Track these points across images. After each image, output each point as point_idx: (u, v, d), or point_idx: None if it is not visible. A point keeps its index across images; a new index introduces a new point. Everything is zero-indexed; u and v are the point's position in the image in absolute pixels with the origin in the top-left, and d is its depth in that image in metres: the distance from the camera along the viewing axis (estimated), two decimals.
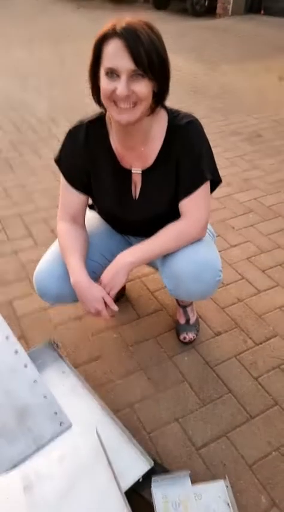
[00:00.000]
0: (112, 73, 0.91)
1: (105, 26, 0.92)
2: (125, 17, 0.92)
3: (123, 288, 1.64)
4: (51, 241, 1.94)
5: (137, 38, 0.88)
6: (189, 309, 1.47)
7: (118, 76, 0.91)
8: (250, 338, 1.49)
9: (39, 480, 0.92)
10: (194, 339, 1.46)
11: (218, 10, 7.86)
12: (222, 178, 1.15)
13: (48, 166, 2.62)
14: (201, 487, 0.96)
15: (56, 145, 2.91)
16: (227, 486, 0.95)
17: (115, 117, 0.97)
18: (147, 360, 1.40)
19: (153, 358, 1.41)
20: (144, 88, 0.93)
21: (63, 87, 4.14)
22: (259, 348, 1.45)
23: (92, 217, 1.33)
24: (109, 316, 1.11)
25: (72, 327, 1.52)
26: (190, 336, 1.45)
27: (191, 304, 1.47)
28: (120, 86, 0.91)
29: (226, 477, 0.97)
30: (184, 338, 1.44)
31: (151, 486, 0.94)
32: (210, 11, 7.82)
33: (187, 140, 1.05)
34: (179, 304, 1.47)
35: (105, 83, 0.93)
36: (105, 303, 1.09)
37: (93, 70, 0.97)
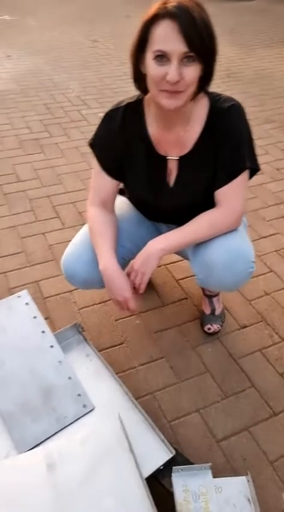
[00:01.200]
0: (163, 56, 0.87)
1: (153, 6, 0.87)
2: None
3: None
4: (79, 223, 1.97)
5: (191, 18, 0.83)
6: (215, 300, 1.44)
7: (168, 60, 0.87)
8: (276, 333, 1.46)
9: (62, 460, 0.93)
10: (218, 330, 1.44)
11: None
12: None
13: (77, 149, 2.61)
14: (222, 480, 0.95)
15: (85, 128, 2.91)
16: (249, 481, 0.94)
17: (162, 102, 0.93)
18: (170, 348, 1.39)
19: (175, 347, 1.40)
20: (193, 73, 0.89)
21: (94, 68, 4.09)
22: None
23: (122, 203, 1.31)
24: (135, 307, 1.10)
25: (97, 310, 1.52)
26: (214, 327, 1.42)
27: (217, 294, 1.45)
28: (171, 71, 0.86)
29: (248, 473, 0.96)
30: (209, 329, 1.42)
31: (171, 475, 0.94)
32: None
33: (228, 125, 1.00)
34: (205, 294, 1.45)
35: (153, 67, 0.89)
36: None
37: (137, 54, 0.93)
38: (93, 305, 1.54)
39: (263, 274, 1.70)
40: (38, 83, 3.68)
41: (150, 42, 0.88)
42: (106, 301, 1.55)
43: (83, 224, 1.92)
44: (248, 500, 0.92)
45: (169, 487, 0.93)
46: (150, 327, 1.47)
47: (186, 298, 1.59)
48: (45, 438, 1.00)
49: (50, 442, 1.00)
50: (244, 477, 0.96)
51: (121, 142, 1.10)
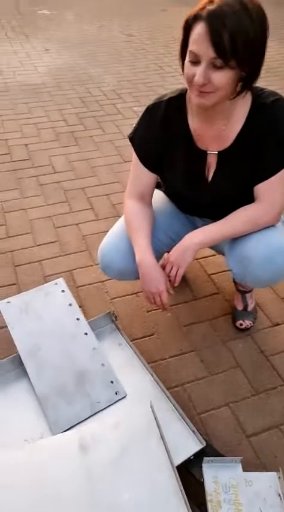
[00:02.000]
0: (195, 57, 0.88)
1: (199, 3, 0.87)
2: None
3: None
4: (112, 215, 1.99)
5: (222, 23, 0.81)
6: (248, 296, 1.43)
7: (199, 61, 0.88)
8: None
9: (95, 442, 0.95)
10: (250, 327, 1.42)
11: None
12: None
13: (112, 142, 2.64)
14: (252, 474, 0.95)
15: (120, 121, 2.93)
16: (280, 478, 0.94)
17: (193, 99, 0.95)
18: (201, 342, 1.40)
19: (206, 341, 1.40)
20: (222, 78, 0.88)
21: (130, 63, 4.10)
22: None
23: (158, 196, 1.31)
24: (167, 300, 1.11)
25: (129, 301, 1.54)
26: (246, 323, 1.41)
27: (251, 290, 1.43)
28: (198, 74, 0.88)
29: (280, 469, 0.95)
30: (241, 324, 1.41)
31: (201, 466, 0.95)
32: None
33: (272, 120, 0.99)
34: (238, 290, 1.44)
35: (187, 66, 0.91)
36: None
37: (182, 50, 0.94)
38: (125, 296, 1.56)
39: None
40: (74, 76, 3.73)
41: (189, 41, 0.89)
42: (138, 292, 1.57)
43: (117, 216, 1.95)
44: (279, 495, 0.91)
45: (200, 477, 0.94)
46: (180, 320, 1.48)
47: (218, 293, 1.58)
48: (79, 421, 1.03)
49: (83, 425, 1.02)
50: (275, 473, 0.95)
51: (162, 136, 1.10)
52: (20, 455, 0.94)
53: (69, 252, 1.77)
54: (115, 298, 1.56)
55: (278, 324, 1.46)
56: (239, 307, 1.44)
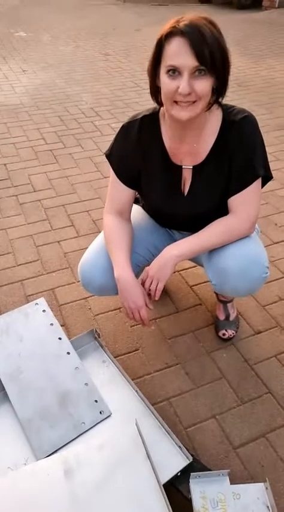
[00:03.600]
0: (174, 71, 0.90)
1: (167, 24, 0.91)
2: (186, 14, 0.91)
3: None
4: (93, 231, 2.00)
5: (200, 35, 0.87)
6: (229, 305, 1.44)
7: (179, 74, 0.90)
8: None
9: (79, 466, 0.94)
10: (233, 336, 1.43)
11: (265, 2, 7.58)
12: None
13: (91, 159, 2.66)
14: (240, 486, 0.94)
15: (98, 138, 2.96)
16: (267, 488, 0.93)
17: (176, 114, 0.96)
18: (185, 354, 1.40)
19: (190, 353, 1.40)
20: (204, 85, 0.92)
21: (107, 81, 4.17)
22: None
23: (137, 211, 1.33)
24: (147, 315, 1.11)
25: (112, 317, 1.54)
26: (229, 332, 1.42)
27: (232, 300, 1.45)
28: (182, 83, 0.90)
29: (267, 480, 0.95)
30: (224, 334, 1.42)
31: (189, 482, 0.94)
32: (255, 4, 7.57)
33: (241, 136, 1.02)
34: (219, 300, 1.45)
35: (166, 81, 0.93)
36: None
37: (154, 68, 0.97)
38: (108, 311, 1.56)
39: (277, 279, 1.70)
40: (52, 95, 3.77)
41: (164, 58, 0.92)
42: (121, 307, 1.56)
43: (97, 232, 1.96)
44: (267, 507, 0.91)
45: (187, 493, 0.93)
46: (164, 333, 1.48)
47: (200, 304, 1.59)
48: (63, 444, 1.01)
49: (67, 448, 1.00)
50: (262, 484, 0.95)
51: (137, 153, 1.12)
52: (2, 483, 0.91)
53: (51, 270, 1.77)
54: (98, 314, 1.55)
55: (260, 332, 1.48)
56: (222, 317, 1.45)
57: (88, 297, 1.61)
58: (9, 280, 1.71)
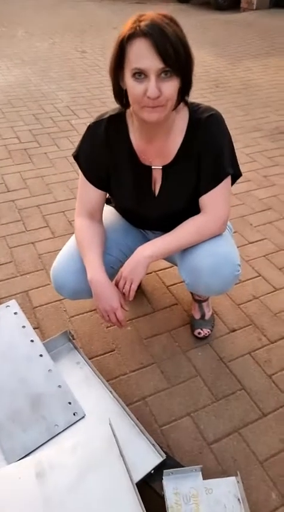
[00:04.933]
0: (140, 74, 0.89)
1: (126, 24, 0.89)
2: (145, 13, 0.90)
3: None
4: (69, 232, 1.98)
5: (163, 35, 0.85)
6: (204, 304, 1.46)
7: (146, 76, 0.89)
8: (265, 336, 1.48)
9: (52, 468, 0.93)
10: (209, 335, 1.45)
11: (243, 4, 7.68)
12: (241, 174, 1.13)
13: (67, 158, 2.64)
14: (212, 481, 0.96)
15: (75, 137, 2.93)
16: (238, 482, 0.95)
17: (145, 117, 0.95)
18: (161, 354, 1.41)
19: (166, 352, 1.41)
20: (171, 87, 0.91)
21: (83, 79, 4.14)
22: (274, 346, 1.44)
23: (109, 212, 1.32)
24: (123, 317, 1.11)
25: (87, 318, 1.53)
26: (204, 331, 1.44)
27: (207, 299, 1.47)
28: (150, 87, 0.88)
29: (238, 473, 0.97)
30: (199, 333, 1.44)
31: (162, 479, 0.95)
32: (233, 5, 7.65)
33: (208, 134, 1.03)
34: (195, 299, 1.47)
35: (133, 86, 0.90)
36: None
37: (116, 71, 0.95)
38: (83, 313, 1.55)
39: (252, 278, 1.73)
40: (26, 93, 3.71)
41: (127, 60, 0.90)
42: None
43: (73, 233, 1.95)
44: (238, 500, 0.93)
45: (160, 490, 0.94)
46: (140, 333, 1.48)
47: (176, 304, 1.61)
48: (36, 447, 1.00)
49: (40, 451, 1.00)
50: (233, 478, 0.97)
51: (105, 154, 1.12)
52: None
53: (25, 272, 1.74)
54: (73, 316, 1.54)
55: (235, 330, 1.50)
56: (197, 316, 1.47)
57: (63, 299, 1.60)
58: None
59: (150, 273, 1.73)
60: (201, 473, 0.97)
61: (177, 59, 0.88)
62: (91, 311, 1.56)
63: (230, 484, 0.95)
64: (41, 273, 1.74)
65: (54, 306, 1.58)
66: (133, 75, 0.90)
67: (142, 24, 0.86)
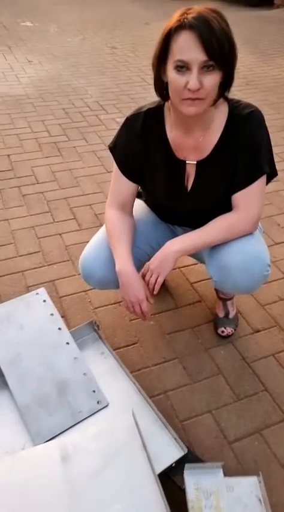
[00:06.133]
0: (183, 66, 0.89)
1: (173, 17, 0.90)
2: (193, 7, 0.90)
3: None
4: (95, 225, 2.00)
5: (209, 28, 0.85)
6: (229, 303, 1.45)
7: (188, 69, 0.89)
8: None
9: (76, 453, 0.95)
10: (232, 334, 1.45)
11: (276, 1, 7.53)
12: None
13: (95, 153, 2.66)
14: (234, 479, 0.96)
15: (103, 132, 2.96)
16: (260, 482, 0.95)
17: (184, 110, 0.95)
18: (183, 350, 1.41)
19: (189, 348, 1.41)
20: (212, 80, 0.91)
21: (113, 74, 4.16)
22: None
23: (139, 205, 1.33)
24: (147, 309, 1.12)
25: (111, 310, 1.55)
26: (228, 330, 1.43)
27: (232, 298, 1.46)
28: (192, 79, 0.89)
29: (260, 474, 0.96)
30: (222, 332, 1.43)
31: (183, 473, 0.95)
32: (266, 1, 7.51)
33: (247, 131, 1.02)
34: (219, 298, 1.46)
35: (175, 78, 0.91)
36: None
37: (159, 63, 0.96)
38: (108, 305, 1.57)
39: (278, 279, 1.71)
40: (57, 88, 3.76)
41: (171, 52, 0.91)
42: (121, 302, 1.57)
43: (100, 226, 1.96)
44: (260, 500, 0.92)
45: (181, 484, 0.95)
46: (163, 328, 1.49)
47: (200, 301, 1.60)
48: (60, 432, 1.03)
49: (64, 436, 1.02)
50: (255, 477, 0.96)
51: (141, 147, 1.12)
52: (0, 467, 0.92)
53: (52, 262, 1.77)
54: (98, 307, 1.56)
55: (258, 331, 1.49)
56: (221, 314, 1.46)
57: (88, 290, 1.62)
58: (10, 271, 1.72)
59: (175, 269, 1.73)
60: (221, 469, 0.97)
61: (220, 53, 0.88)
62: (115, 303, 1.57)
63: (252, 484, 0.95)
64: (67, 264, 1.76)
65: (80, 297, 1.60)
66: (176, 67, 0.91)
67: (189, 16, 0.87)
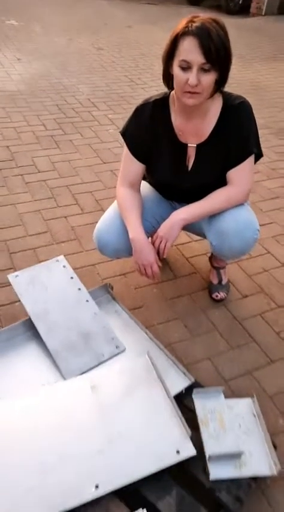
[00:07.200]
0: (186, 65, 1.10)
1: (181, 23, 1.11)
2: (199, 15, 1.11)
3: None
4: (96, 209, 2.19)
5: (209, 36, 1.06)
6: (222, 271, 1.67)
7: (189, 68, 1.11)
8: (274, 301, 1.69)
9: (103, 384, 1.14)
10: (225, 298, 1.67)
11: (252, 9, 7.91)
12: None
13: (90, 146, 2.83)
14: (233, 400, 1.17)
15: (97, 127, 3.14)
16: (254, 402, 1.16)
17: (185, 100, 1.17)
18: (183, 311, 1.62)
19: (188, 310, 1.62)
20: (209, 79, 1.13)
21: (102, 74, 4.34)
22: (281, 310, 1.65)
23: (144, 185, 1.53)
24: (157, 270, 1.32)
25: (118, 280, 1.74)
26: (221, 294, 1.65)
27: (224, 267, 1.68)
28: (191, 77, 1.10)
29: (254, 396, 1.18)
30: (216, 296, 1.65)
31: (192, 397, 1.16)
32: (243, 10, 7.88)
33: (239, 118, 1.25)
34: (214, 267, 1.68)
35: (178, 73, 1.13)
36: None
37: (167, 59, 1.17)
38: (114, 276, 1.76)
39: (262, 255, 1.95)
40: (48, 85, 3.91)
41: (177, 52, 1.13)
42: (126, 273, 1.77)
43: (101, 210, 2.16)
44: (254, 415, 1.14)
45: (190, 405, 1.15)
46: (165, 295, 1.69)
47: (195, 273, 1.82)
48: (87, 369, 1.21)
49: (92, 372, 1.20)
50: (250, 399, 1.18)
51: (149, 132, 1.33)
52: (41, 393, 1.10)
53: (60, 241, 1.95)
54: (106, 278, 1.75)
55: (247, 296, 1.71)
56: (215, 281, 1.68)
57: (96, 264, 1.81)
58: (22, 248, 1.88)
59: (173, 246, 1.94)
60: (222, 394, 1.18)
61: (217, 57, 1.09)
62: (121, 275, 1.76)
63: (248, 403, 1.17)
64: (74, 242, 1.94)
65: (89, 270, 1.78)
66: (180, 65, 1.12)
67: (194, 25, 1.08)
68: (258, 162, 1.35)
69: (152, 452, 0.98)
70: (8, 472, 0.92)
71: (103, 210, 1.83)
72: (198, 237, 1.92)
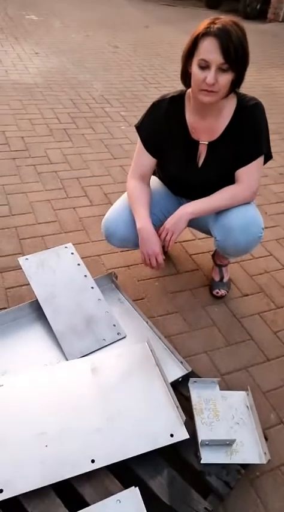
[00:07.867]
0: (204, 64, 1.15)
1: (202, 24, 1.16)
2: (220, 17, 1.15)
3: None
4: (104, 202, 2.24)
5: (229, 38, 1.11)
6: (224, 269, 1.71)
7: (208, 67, 1.15)
8: (273, 302, 1.73)
9: (103, 366, 1.18)
10: (225, 295, 1.70)
11: (270, 15, 7.95)
12: None
13: (102, 141, 2.88)
14: (227, 392, 1.21)
15: (109, 123, 3.19)
16: (248, 394, 1.20)
17: (201, 98, 1.21)
18: (183, 305, 1.66)
19: (188, 305, 1.66)
20: (226, 79, 1.17)
21: (116, 72, 4.39)
22: (280, 311, 1.69)
23: (154, 180, 1.58)
24: (162, 261, 1.36)
25: (122, 272, 1.78)
26: (222, 291, 1.69)
27: (227, 265, 1.72)
28: (210, 75, 1.15)
29: (248, 388, 1.22)
30: (217, 293, 1.69)
31: (188, 385, 1.20)
32: (260, 15, 7.92)
33: (252, 119, 1.29)
34: (216, 264, 1.72)
35: (197, 72, 1.17)
36: None
37: (187, 58, 1.21)
38: (118, 267, 1.80)
39: (264, 256, 1.98)
40: (64, 80, 3.97)
41: (197, 51, 1.17)
42: (130, 265, 1.81)
43: (109, 203, 2.20)
44: (247, 406, 1.18)
45: (186, 393, 1.19)
46: (167, 288, 1.73)
47: (197, 270, 1.86)
48: (88, 352, 1.25)
49: (93, 355, 1.25)
50: (244, 392, 1.22)
51: (164, 127, 1.37)
52: (42, 373, 1.14)
53: (68, 231, 1.99)
54: (110, 269, 1.79)
55: (247, 295, 1.75)
56: (217, 278, 1.72)
57: (101, 254, 1.85)
58: (31, 235, 1.93)
59: (176, 243, 1.98)
60: (218, 385, 1.22)
61: (235, 59, 1.14)
62: (125, 266, 1.81)
63: (242, 395, 1.21)
64: (81, 233, 1.99)
65: (94, 260, 1.83)
66: (199, 64, 1.16)
67: (215, 26, 1.12)
68: (266, 166, 1.39)
69: (147, 433, 1.02)
70: (10, 440, 0.97)
71: (111, 204, 1.88)
72: (203, 235, 1.97)
